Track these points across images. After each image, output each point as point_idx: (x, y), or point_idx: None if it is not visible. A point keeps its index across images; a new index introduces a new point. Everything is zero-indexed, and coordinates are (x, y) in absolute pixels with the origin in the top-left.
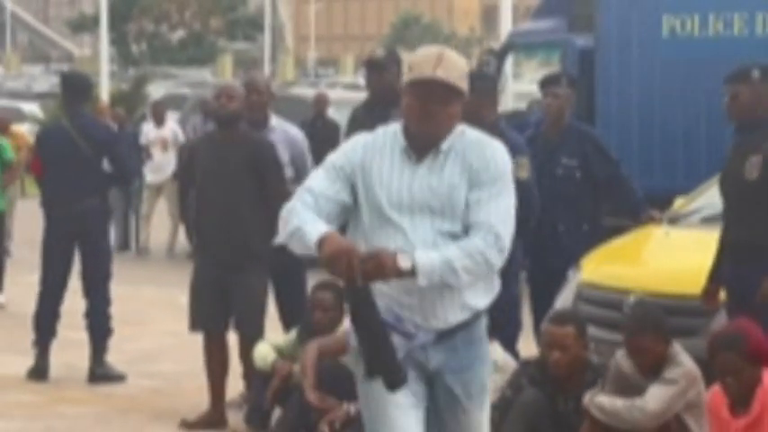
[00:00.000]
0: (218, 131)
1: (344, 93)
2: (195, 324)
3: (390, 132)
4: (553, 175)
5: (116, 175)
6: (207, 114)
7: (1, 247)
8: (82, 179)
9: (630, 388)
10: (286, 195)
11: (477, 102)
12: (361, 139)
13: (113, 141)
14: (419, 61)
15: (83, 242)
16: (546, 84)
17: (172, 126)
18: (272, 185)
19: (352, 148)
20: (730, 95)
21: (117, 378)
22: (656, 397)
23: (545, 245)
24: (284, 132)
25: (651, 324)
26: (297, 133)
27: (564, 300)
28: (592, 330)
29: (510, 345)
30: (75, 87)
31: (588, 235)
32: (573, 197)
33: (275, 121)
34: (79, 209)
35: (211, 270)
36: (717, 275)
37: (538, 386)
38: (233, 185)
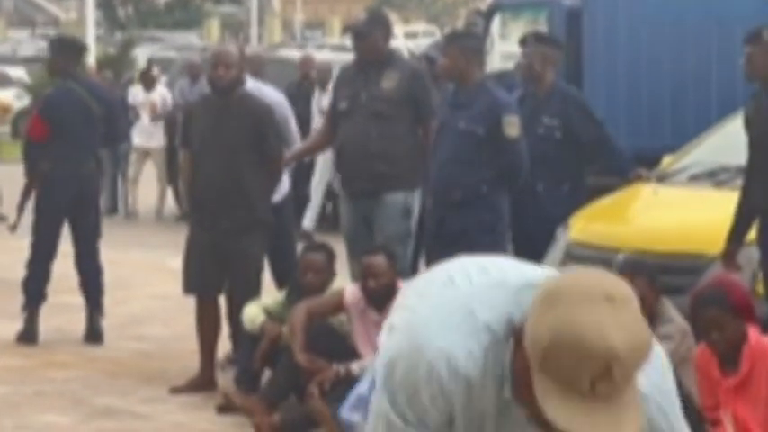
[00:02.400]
0: (215, 97)
1: (332, 54)
2: (188, 287)
3: (492, 372)
4: (534, 135)
5: (109, 136)
6: (194, 77)
7: None
8: (88, 141)
9: None
10: (282, 158)
11: (464, 61)
12: (461, 364)
13: (115, 102)
14: (560, 356)
15: (82, 203)
16: (520, 44)
17: (161, 91)
18: (271, 148)
19: (448, 382)
20: (745, 57)
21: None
22: None
23: (524, 204)
24: (261, 96)
25: (646, 269)
26: (276, 96)
27: (552, 258)
28: None
29: None
30: (72, 50)
31: (568, 195)
32: (553, 157)
33: (251, 84)
34: (84, 170)
35: (207, 234)
36: (736, 236)
37: None
38: (232, 150)
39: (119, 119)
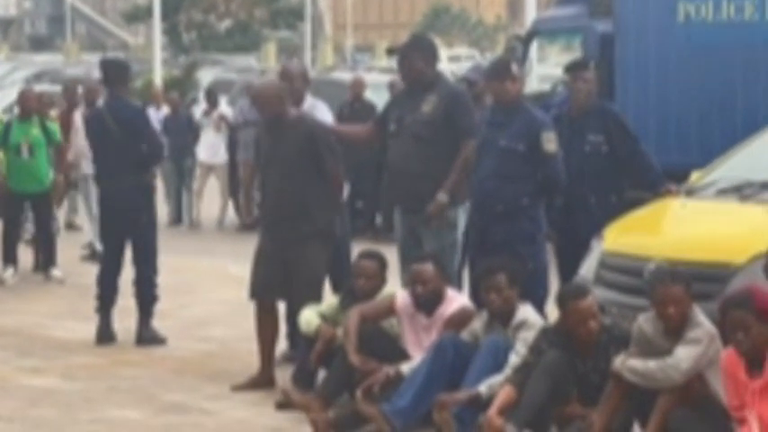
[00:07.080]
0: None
1: (380, 76)
2: (254, 293)
3: None
4: (582, 152)
5: (150, 153)
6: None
7: (52, 225)
8: (117, 158)
9: (653, 350)
10: (340, 173)
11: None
12: None
13: (142, 122)
14: None
15: (128, 217)
16: (574, 69)
17: (223, 108)
18: (327, 165)
19: None
20: None
21: (160, 340)
22: (686, 356)
23: (576, 217)
24: (311, 116)
25: (683, 277)
26: (324, 116)
27: (588, 267)
28: (614, 296)
29: (539, 309)
30: (112, 72)
31: (616, 206)
32: (601, 171)
33: (309, 101)
34: (120, 186)
35: (272, 244)
36: None
37: (558, 349)
38: (290, 167)
39: (148, 137)
